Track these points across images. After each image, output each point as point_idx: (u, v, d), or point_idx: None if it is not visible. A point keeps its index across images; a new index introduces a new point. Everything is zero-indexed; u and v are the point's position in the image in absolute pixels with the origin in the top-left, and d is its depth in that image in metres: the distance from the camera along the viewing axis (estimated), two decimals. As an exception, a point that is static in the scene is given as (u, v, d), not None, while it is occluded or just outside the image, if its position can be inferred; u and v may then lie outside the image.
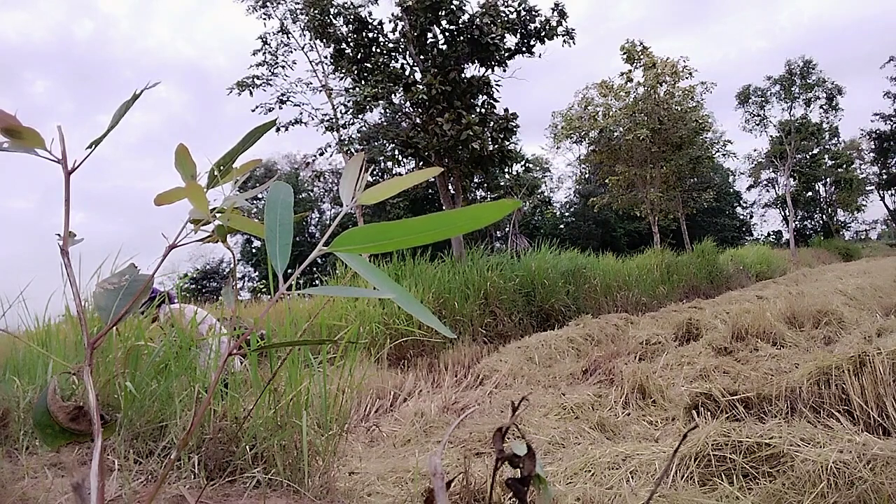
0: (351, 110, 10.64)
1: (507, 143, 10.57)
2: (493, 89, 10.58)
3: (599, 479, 2.58)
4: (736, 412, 3.25)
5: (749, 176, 37.49)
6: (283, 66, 14.56)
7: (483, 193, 24.48)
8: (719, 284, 14.79)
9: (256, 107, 13.53)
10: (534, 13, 10.35)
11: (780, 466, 2.32)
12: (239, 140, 0.75)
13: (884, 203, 38.66)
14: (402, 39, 10.23)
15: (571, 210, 34.57)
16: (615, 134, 16.90)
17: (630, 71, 16.95)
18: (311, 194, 34.41)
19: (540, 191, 33.35)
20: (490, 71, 10.51)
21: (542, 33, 10.51)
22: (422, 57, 10.21)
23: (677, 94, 16.61)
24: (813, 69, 27.94)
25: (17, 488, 1.69)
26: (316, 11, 10.29)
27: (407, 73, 10.30)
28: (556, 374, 5.36)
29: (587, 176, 33.30)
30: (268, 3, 14.43)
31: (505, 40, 10.24)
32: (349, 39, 10.22)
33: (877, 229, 45.38)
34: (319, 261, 19.63)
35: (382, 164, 12.48)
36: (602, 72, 63.02)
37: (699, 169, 18.58)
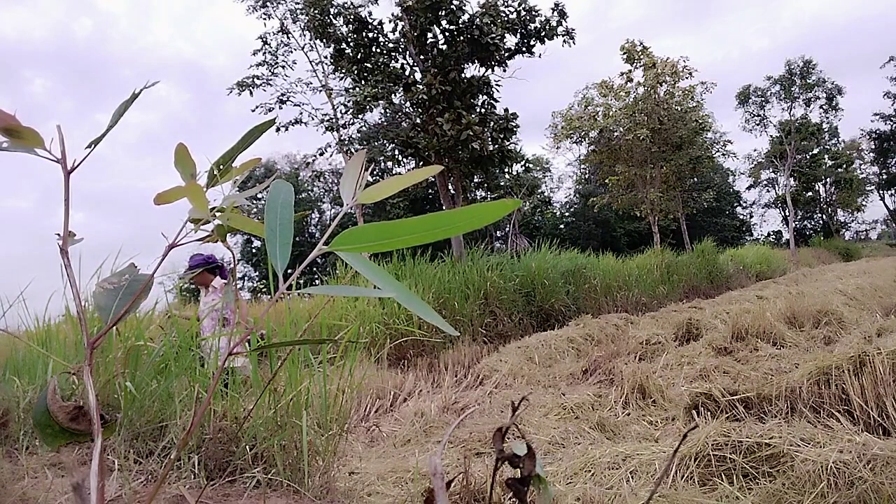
0: (351, 110, 10.63)
1: (507, 143, 10.56)
2: (493, 89, 10.58)
3: (599, 479, 2.58)
4: (736, 412, 3.25)
5: (749, 176, 37.47)
6: (283, 66, 14.57)
7: (483, 193, 24.46)
8: (719, 284, 14.79)
9: (256, 107, 13.54)
10: (534, 13, 10.34)
11: (780, 466, 2.32)
12: (238, 139, 0.75)
13: (884, 203, 38.70)
14: (402, 39, 10.23)
15: (571, 210, 34.56)
16: (615, 134, 16.90)
17: (630, 71, 16.94)
18: (311, 194, 34.40)
19: (540, 191, 33.34)
20: (490, 71, 10.51)
21: (542, 33, 10.51)
22: (422, 57, 10.21)
23: (677, 94, 16.61)
24: (813, 69, 27.94)
25: (17, 488, 1.69)
26: (316, 11, 10.28)
27: (407, 73, 10.30)
28: (556, 374, 5.36)
29: (587, 176, 33.32)
30: (268, 3, 14.43)
31: (505, 40, 10.23)
32: (349, 39, 10.22)
33: (877, 229, 45.40)
34: (319, 261, 19.63)
35: (382, 164, 12.48)
36: (602, 71, 63.03)
37: (699, 169, 18.58)
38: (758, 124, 29.31)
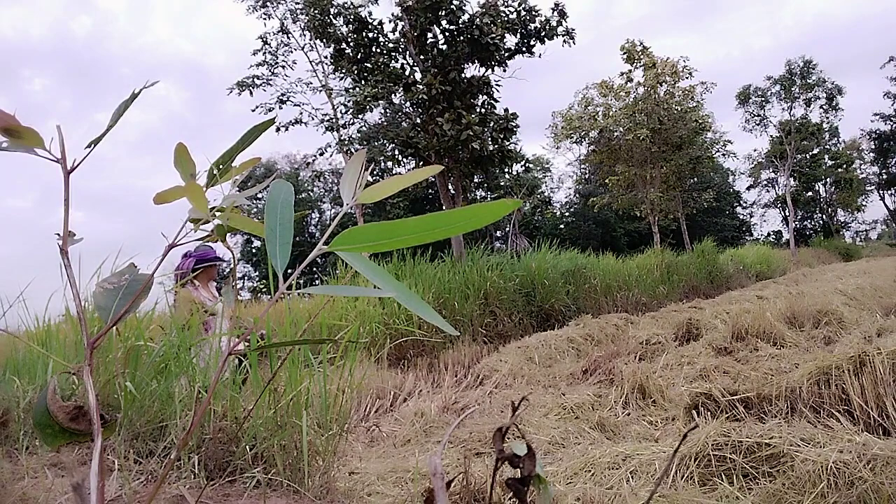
0: (351, 110, 10.64)
1: (507, 143, 10.56)
2: (493, 89, 10.57)
3: (599, 479, 2.58)
4: (736, 412, 3.25)
5: (749, 176, 37.46)
6: (283, 66, 14.58)
7: (483, 193, 24.49)
8: (719, 284, 14.78)
9: (256, 107, 13.56)
10: (534, 13, 10.34)
11: (780, 466, 2.32)
12: (238, 139, 0.75)
13: (884, 203, 38.70)
14: (402, 39, 10.23)
15: (571, 210, 34.57)
16: (615, 134, 16.91)
17: (630, 71, 16.95)
18: (311, 194, 34.41)
19: (540, 191, 33.37)
20: (490, 71, 10.51)
21: (542, 33, 10.51)
22: (422, 57, 10.21)
23: (677, 94, 16.62)
24: (813, 69, 27.96)
25: (17, 488, 1.69)
26: (316, 11, 10.29)
27: (407, 73, 10.30)
28: (556, 374, 5.36)
29: (587, 176, 33.33)
30: (268, 3, 14.45)
31: (505, 40, 10.23)
32: (349, 39, 10.22)
33: (877, 229, 45.40)
34: (319, 261, 19.63)
35: (382, 164, 12.50)
36: (604, 70, 62.99)
37: (699, 169, 18.59)
38: (758, 124, 29.33)
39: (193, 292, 3.92)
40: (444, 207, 10.55)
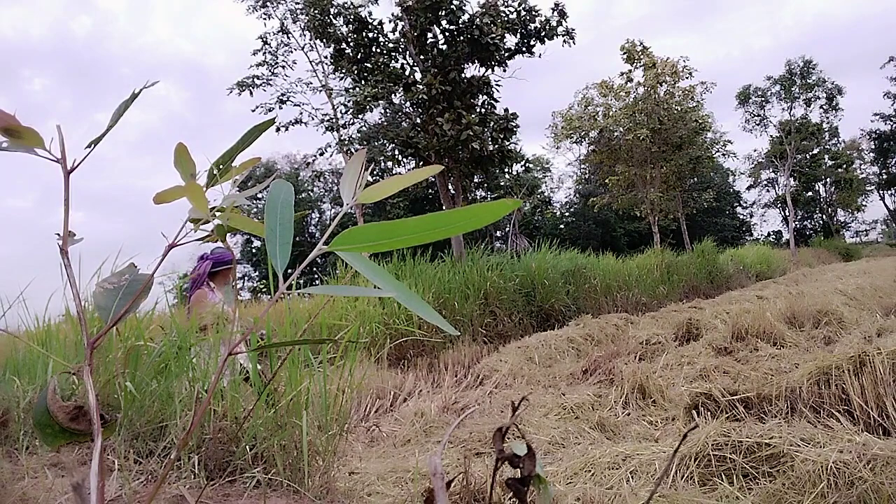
0: (351, 110, 10.64)
1: (507, 143, 10.56)
2: (493, 89, 10.58)
3: (599, 479, 2.58)
4: (736, 412, 3.25)
5: (749, 176, 37.46)
6: (283, 66, 14.57)
7: (483, 193, 24.50)
8: (719, 284, 14.78)
9: (256, 107, 13.55)
10: (534, 13, 10.34)
11: (780, 466, 2.32)
12: (238, 139, 0.75)
13: (884, 203, 38.73)
14: (402, 39, 10.23)
15: (571, 210, 34.58)
16: (615, 134, 16.91)
17: (630, 71, 16.95)
18: (311, 194, 34.40)
19: (540, 191, 33.39)
20: (490, 71, 10.51)
21: (542, 33, 10.51)
22: (422, 57, 10.21)
23: (677, 94, 16.62)
24: (813, 69, 27.98)
25: (17, 488, 1.69)
26: (316, 11, 10.29)
27: (407, 73, 10.30)
28: (556, 374, 5.36)
29: (587, 176, 33.33)
30: (268, 3, 14.44)
31: (505, 40, 10.24)
32: (349, 39, 10.22)
33: (877, 229, 45.42)
34: (319, 261, 19.62)
35: (382, 164, 12.50)
36: (604, 70, 63.02)
37: (699, 169, 18.59)
38: (758, 124, 29.36)
39: (209, 294, 3.91)
40: (444, 207, 10.55)
